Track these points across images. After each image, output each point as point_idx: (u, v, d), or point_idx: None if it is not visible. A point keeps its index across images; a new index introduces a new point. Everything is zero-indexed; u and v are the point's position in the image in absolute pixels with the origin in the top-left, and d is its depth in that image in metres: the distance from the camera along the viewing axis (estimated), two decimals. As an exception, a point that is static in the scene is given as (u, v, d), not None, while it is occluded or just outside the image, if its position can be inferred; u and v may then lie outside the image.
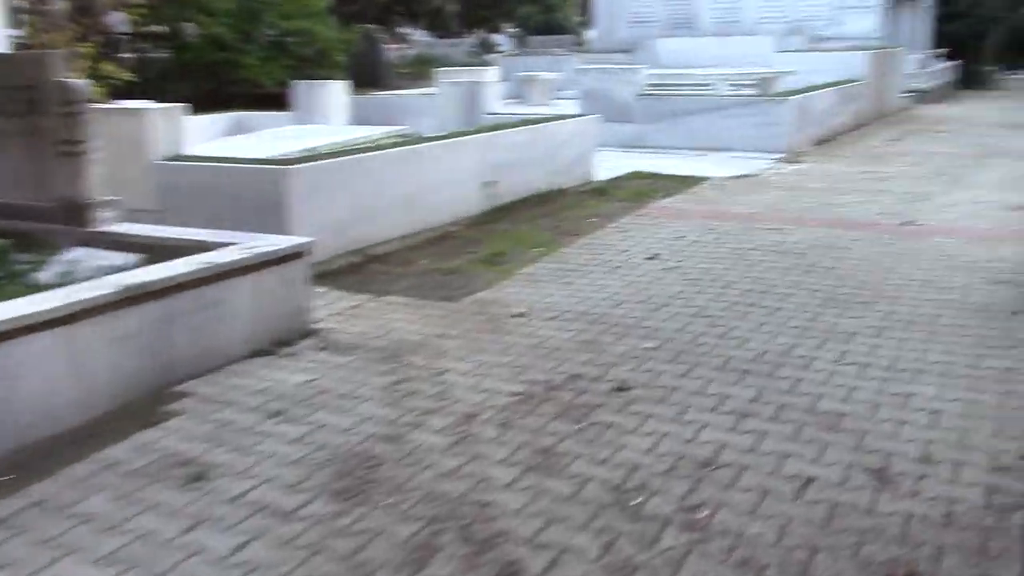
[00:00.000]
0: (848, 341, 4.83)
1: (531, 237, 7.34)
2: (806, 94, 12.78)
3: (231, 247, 4.78)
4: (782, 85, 15.70)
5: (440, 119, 10.97)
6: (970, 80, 28.66)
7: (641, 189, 9.38)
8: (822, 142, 13.20)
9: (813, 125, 13.02)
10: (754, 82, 15.83)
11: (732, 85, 15.78)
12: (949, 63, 26.45)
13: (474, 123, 10.26)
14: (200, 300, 4.41)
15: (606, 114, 12.20)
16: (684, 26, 20.82)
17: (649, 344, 4.83)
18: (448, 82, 11.84)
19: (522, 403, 4.12)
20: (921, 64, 23.53)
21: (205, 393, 4.24)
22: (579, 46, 26.96)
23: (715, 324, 5.14)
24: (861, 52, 16.05)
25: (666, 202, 8.78)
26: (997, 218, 7.87)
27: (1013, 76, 34.35)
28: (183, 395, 4.20)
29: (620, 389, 4.27)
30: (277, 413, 4.04)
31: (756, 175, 10.38)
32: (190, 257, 4.56)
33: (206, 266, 4.46)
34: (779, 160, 11.43)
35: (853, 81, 15.38)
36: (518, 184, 8.53)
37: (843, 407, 4.03)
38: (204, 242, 4.90)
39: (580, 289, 5.90)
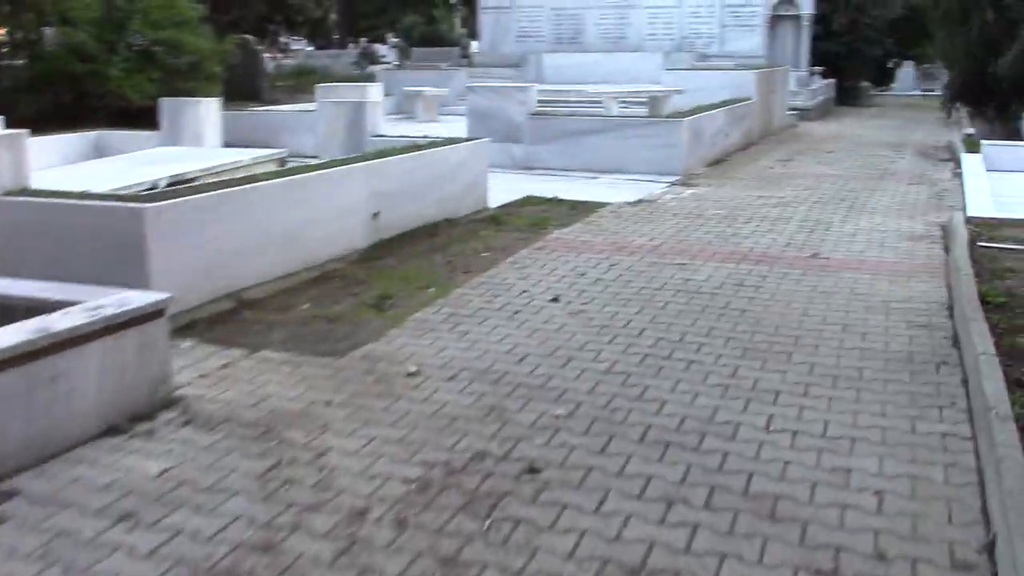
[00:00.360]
0: (773, 402, 4.44)
1: (422, 275, 6.78)
2: (699, 115, 12.57)
3: (74, 308, 4.08)
4: (672, 104, 15.55)
5: (321, 140, 10.30)
6: (846, 97, 29.36)
7: (537, 217, 8.93)
8: (715, 163, 13.02)
9: (705, 146, 12.84)
10: (645, 100, 15.63)
11: (623, 103, 15.54)
12: (827, 81, 26.98)
13: (358, 146, 9.64)
14: (33, 377, 3.71)
15: (496, 134, 11.75)
16: (571, 41, 20.58)
17: (559, 411, 4.33)
18: (329, 101, 11.16)
19: (420, 493, 3.57)
20: (802, 82, 23.88)
21: (38, 491, 3.54)
22: (465, 59, 26.52)
23: (629, 383, 4.68)
24: (748, 71, 16.03)
25: (564, 232, 8.34)
26: (902, 249, 7.69)
27: (881, 93, 35.55)
28: (10, 495, 3.51)
29: (531, 471, 3.76)
30: (126, 516, 3.39)
31: (653, 200, 10.05)
32: (22, 323, 3.85)
33: (40, 335, 3.76)
34: (674, 183, 11.16)
35: (742, 100, 15.32)
36: (408, 214, 7.96)
37: (779, 488, 3.61)
38: (41, 300, 4.18)
39: (478, 340, 5.37)
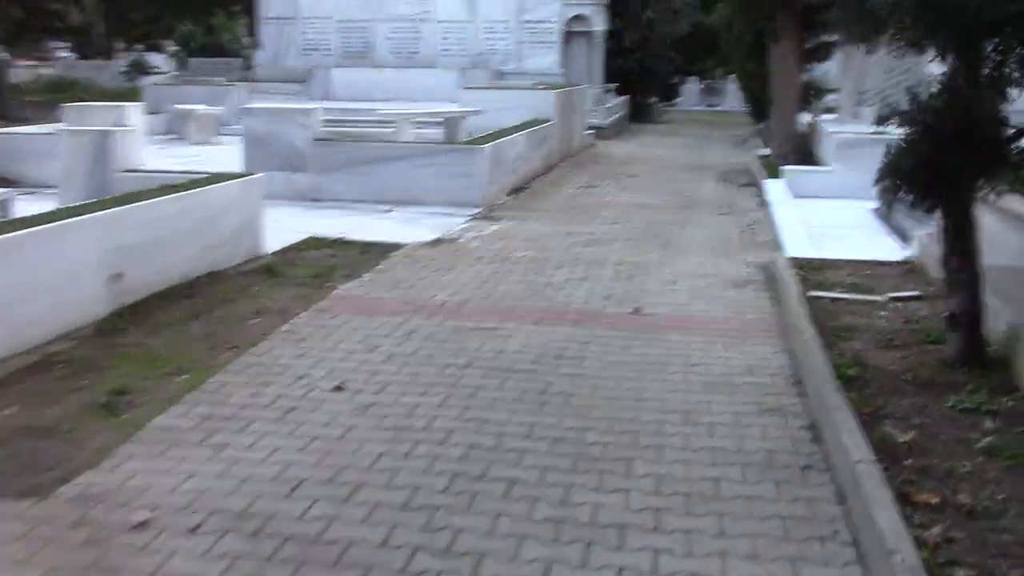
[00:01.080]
0: (620, 545, 3.45)
1: (173, 355, 5.45)
2: (500, 140, 11.69)
3: None
4: (469, 125, 14.66)
5: (61, 177, 8.67)
6: (639, 114, 29.54)
7: (321, 265, 7.72)
8: (517, 191, 12.18)
9: (507, 173, 11.97)
10: (440, 121, 14.65)
11: (418, 124, 14.50)
12: (621, 98, 26.97)
13: (103, 186, 8.10)
14: None
15: (277, 162, 10.47)
16: (361, 56, 19.37)
17: (341, 586, 3.19)
18: (70, 128, 9.47)
19: None
20: (597, 100, 23.65)
21: None
22: (247, 71, 24.71)
23: (433, 525, 3.58)
24: (549, 91, 15.36)
25: (352, 286, 7.17)
26: (728, 301, 6.98)
27: (669, 109, 36.25)
28: None
29: None
30: None
31: (453, 240, 9.05)
32: None
33: None
34: (476, 217, 10.21)
35: (543, 122, 14.61)
36: (162, 270, 6.57)
37: None
38: None
39: (237, 459, 4.13)
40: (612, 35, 27.15)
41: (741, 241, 9.32)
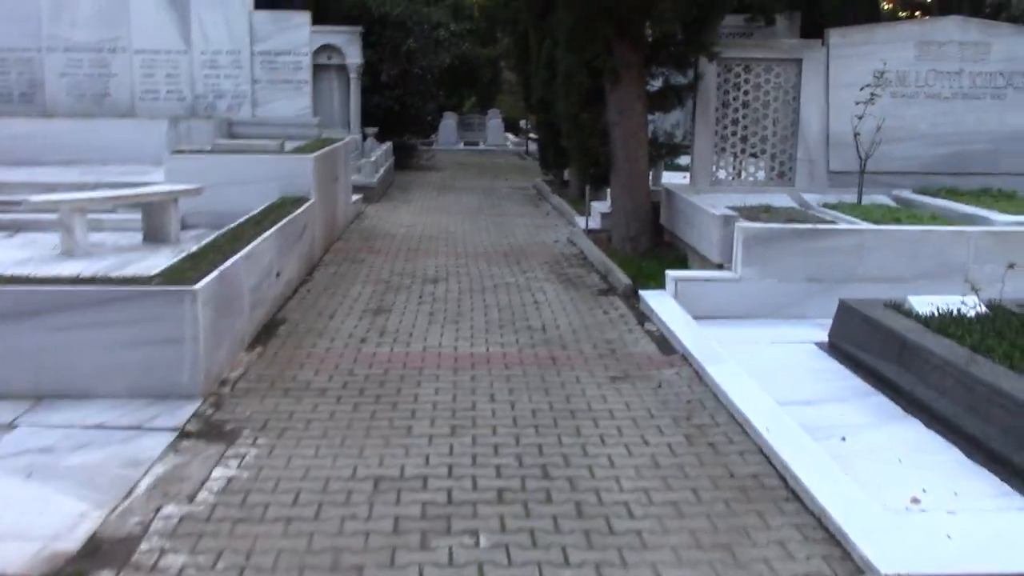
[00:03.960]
0: None
1: None
2: (234, 259, 6.73)
3: None
4: (181, 212, 9.63)
5: None
6: (401, 158, 25.12)
7: None
8: (262, 342, 7.30)
9: (243, 316, 7.06)
10: (135, 205, 9.53)
11: (102, 215, 9.29)
12: (384, 145, 22.38)
13: None
14: None
15: None
16: (24, 99, 13.58)
17: None
18: None
19: None
20: (361, 151, 18.97)
21: None
22: None
23: None
24: (305, 155, 10.49)
25: None
26: None
27: (426, 147, 32.11)
28: None
29: None
30: None
31: (126, 541, 4.09)
32: None
33: None
34: (186, 433, 5.28)
35: (298, 202, 9.78)
36: None
37: None
38: None
39: None
40: (367, 69, 22.56)
41: (701, 475, 4.94)
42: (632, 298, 9.04)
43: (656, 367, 6.79)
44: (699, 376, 6.50)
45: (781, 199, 11.09)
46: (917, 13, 31.30)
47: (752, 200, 10.93)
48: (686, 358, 6.92)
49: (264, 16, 13.69)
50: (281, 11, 14.36)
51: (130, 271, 7.81)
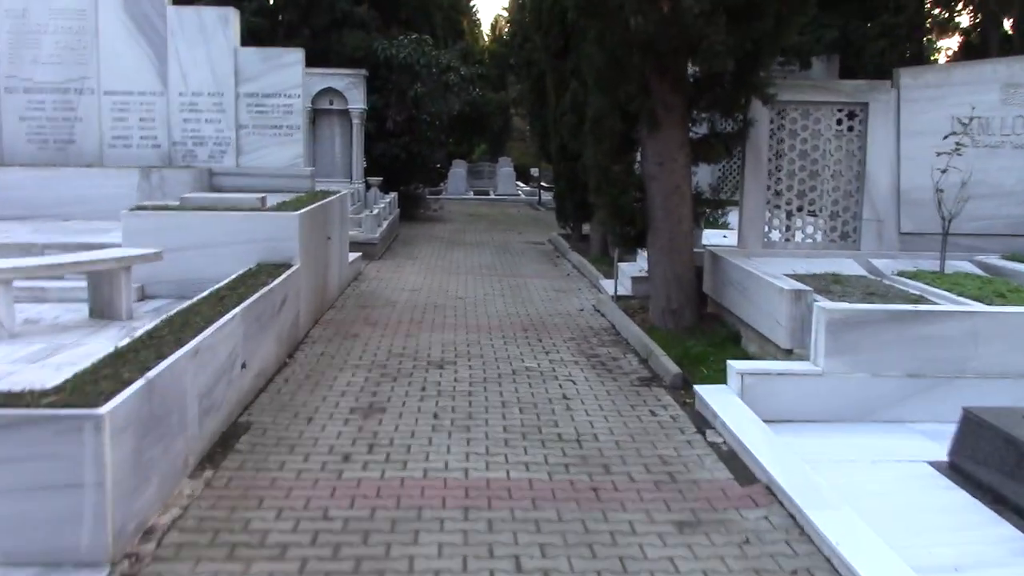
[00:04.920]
0: None
1: None
2: (166, 366, 5.02)
3: None
4: (138, 280, 8.06)
5: None
6: (407, 208, 23.63)
7: None
8: (210, 467, 5.61)
9: (185, 437, 5.37)
10: (79, 278, 7.96)
11: (45, 286, 7.71)
12: (389, 196, 20.87)
13: None
14: None
15: None
16: (-22, 146, 12.05)
17: None
18: None
19: None
20: (363, 203, 17.44)
21: None
22: None
23: None
24: (288, 214, 8.87)
25: None
26: None
27: (435, 196, 30.78)
28: None
29: None
30: None
31: None
32: None
33: None
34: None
35: (277, 269, 8.16)
36: None
37: None
38: None
39: None
40: (372, 114, 21.14)
41: None
42: (682, 390, 7.37)
43: (735, 505, 5.08)
44: (797, 524, 4.79)
45: (847, 265, 9.46)
46: (950, 51, 29.76)
47: (814, 266, 9.30)
48: (772, 491, 5.21)
49: (252, 53, 12.18)
50: (271, 48, 12.85)
51: (54, 361, 6.17)
